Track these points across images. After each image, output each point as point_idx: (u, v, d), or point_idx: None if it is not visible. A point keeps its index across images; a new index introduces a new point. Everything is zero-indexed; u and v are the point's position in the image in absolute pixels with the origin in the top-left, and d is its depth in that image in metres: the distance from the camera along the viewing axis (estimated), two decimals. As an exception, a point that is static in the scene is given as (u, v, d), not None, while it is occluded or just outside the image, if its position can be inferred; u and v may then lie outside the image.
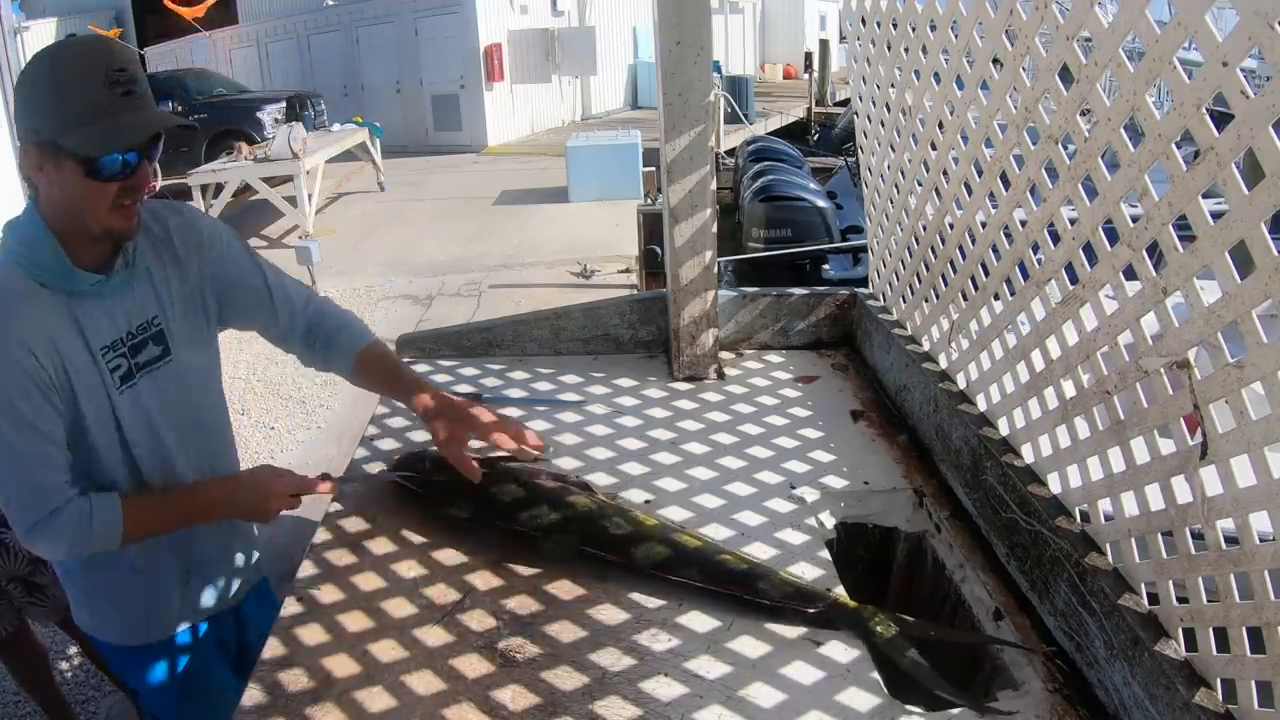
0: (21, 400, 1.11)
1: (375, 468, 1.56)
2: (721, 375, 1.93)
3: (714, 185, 1.82)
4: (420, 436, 1.63)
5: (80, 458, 1.20)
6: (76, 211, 1.13)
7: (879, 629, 1.12)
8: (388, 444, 1.65)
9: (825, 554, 1.30)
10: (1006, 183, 1.29)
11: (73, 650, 2.77)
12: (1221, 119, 0.80)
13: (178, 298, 1.30)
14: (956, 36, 1.35)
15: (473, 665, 1.09)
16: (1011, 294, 1.32)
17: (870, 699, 1.03)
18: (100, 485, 1.23)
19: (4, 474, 1.15)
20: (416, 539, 1.34)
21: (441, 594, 1.22)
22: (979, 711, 1.04)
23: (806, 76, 17.68)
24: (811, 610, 1.16)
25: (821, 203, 7.23)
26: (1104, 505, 1.12)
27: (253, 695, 1.04)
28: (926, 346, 1.71)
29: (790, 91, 18.91)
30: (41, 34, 16.64)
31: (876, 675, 1.07)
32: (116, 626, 1.38)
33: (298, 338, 1.43)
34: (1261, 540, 0.84)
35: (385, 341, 1.55)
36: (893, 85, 1.68)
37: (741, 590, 1.18)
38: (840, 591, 1.20)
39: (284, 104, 11.16)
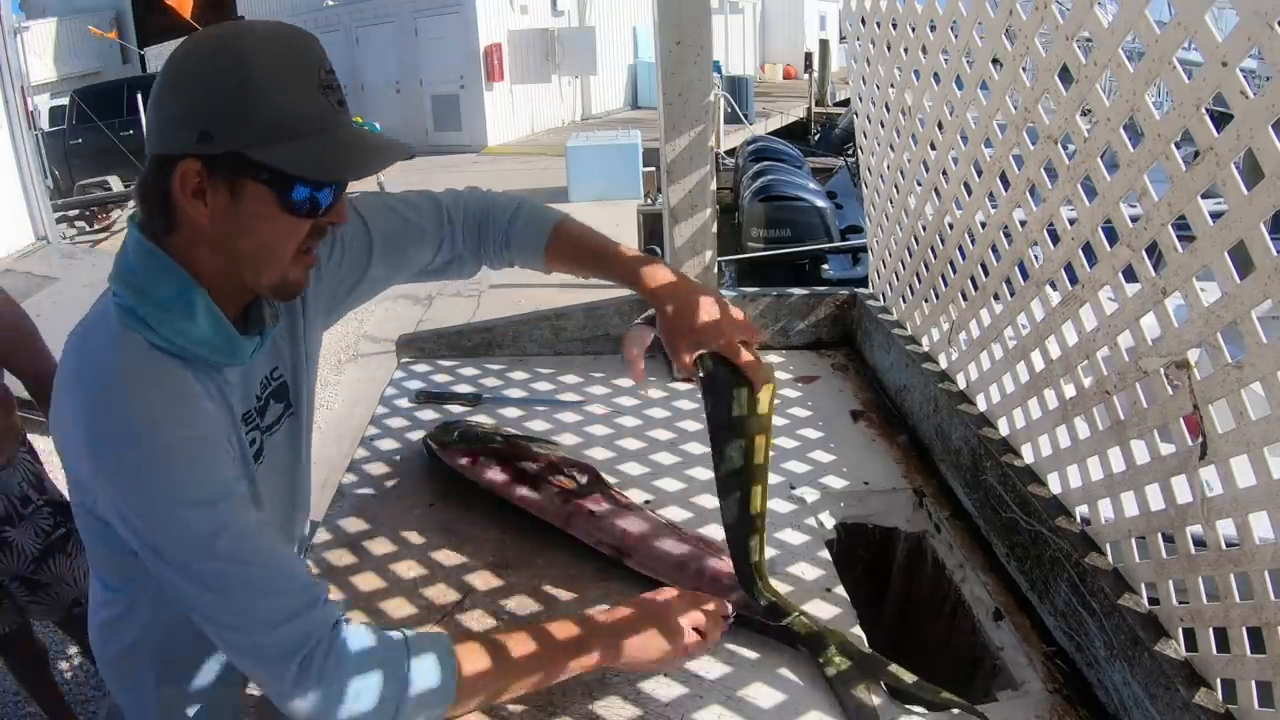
0: (237, 485, 0.85)
1: (376, 468, 1.56)
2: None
3: (714, 185, 1.83)
4: (420, 435, 1.63)
5: None
6: (252, 253, 0.86)
7: (835, 660, 1.04)
8: (388, 444, 1.65)
9: (825, 554, 1.30)
10: (1006, 183, 1.29)
11: (73, 650, 2.77)
12: (1221, 119, 0.80)
13: (286, 333, 1.05)
14: (956, 37, 1.35)
15: (473, 665, 1.08)
16: (1011, 294, 1.32)
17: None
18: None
19: (231, 590, 0.81)
20: (417, 539, 1.34)
21: (441, 594, 1.22)
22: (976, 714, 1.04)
23: (806, 76, 17.70)
24: (775, 624, 1.09)
25: (821, 203, 7.25)
26: (1104, 505, 1.12)
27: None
28: (926, 346, 1.71)
29: (790, 91, 18.93)
30: (41, 34, 16.67)
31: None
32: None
33: (464, 253, 1.20)
34: (1261, 543, 0.84)
35: (385, 341, 1.54)
36: (892, 85, 1.68)
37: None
38: (809, 612, 1.13)
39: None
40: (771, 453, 1.10)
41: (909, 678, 1.03)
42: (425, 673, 0.86)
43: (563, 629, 0.96)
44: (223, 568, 0.81)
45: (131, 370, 0.83)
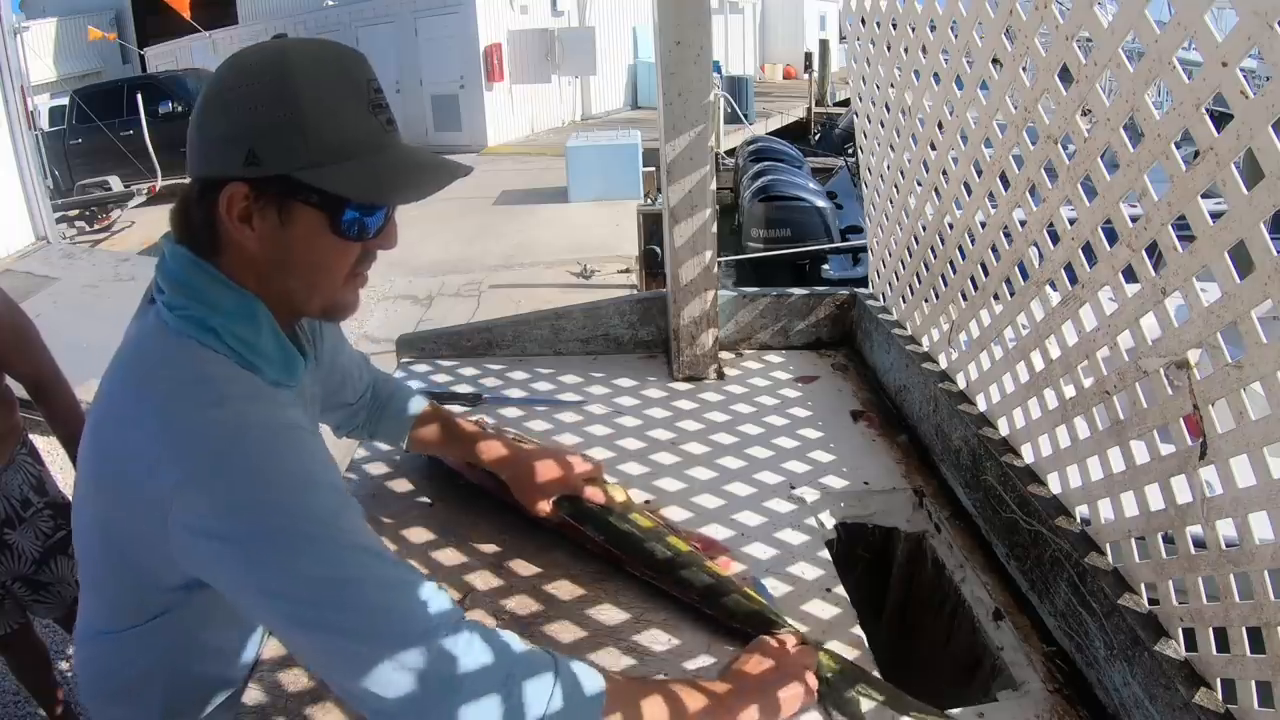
0: (348, 502, 0.79)
1: (376, 468, 1.56)
2: (721, 375, 1.93)
3: (714, 185, 1.82)
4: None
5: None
6: (302, 278, 0.83)
7: (825, 672, 1.04)
8: (388, 445, 1.65)
9: (825, 554, 1.30)
10: (1006, 183, 1.29)
11: (73, 650, 2.77)
12: (1221, 119, 0.80)
13: (308, 385, 1.01)
14: (956, 37, 1.35)
15: (473, 665, 1.08)
16: (1011, 294, 1.32)
17: (868, 702, 1.03)
18: (216, 647, 0.96)
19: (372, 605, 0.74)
20: (417, 539, 1.34)
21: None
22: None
23: (806, 76, 17.70)
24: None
25: (821, 203, 7.25)
26: (1104, 505, 1.12)
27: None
28: (926, 346, 1.71)
29: (790, 91, 18.93)
30: (41, 34, 16.67)
31: (877, 675, 1.07)
32: None
33: (359, 414, 1.30)
34: (1261, 543, 0.84)
35: (385, 341, 1.55)
36: (892, 85, 1.68)
37: (701, 603, 1.15)
38: (797, 626, 1.13)
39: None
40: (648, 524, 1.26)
41: (879, 695, 1.02)
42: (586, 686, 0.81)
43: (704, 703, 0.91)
44: (346, 562, 0.74)
45: (210, 377, 0.79)
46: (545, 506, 1.26)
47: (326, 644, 0.73)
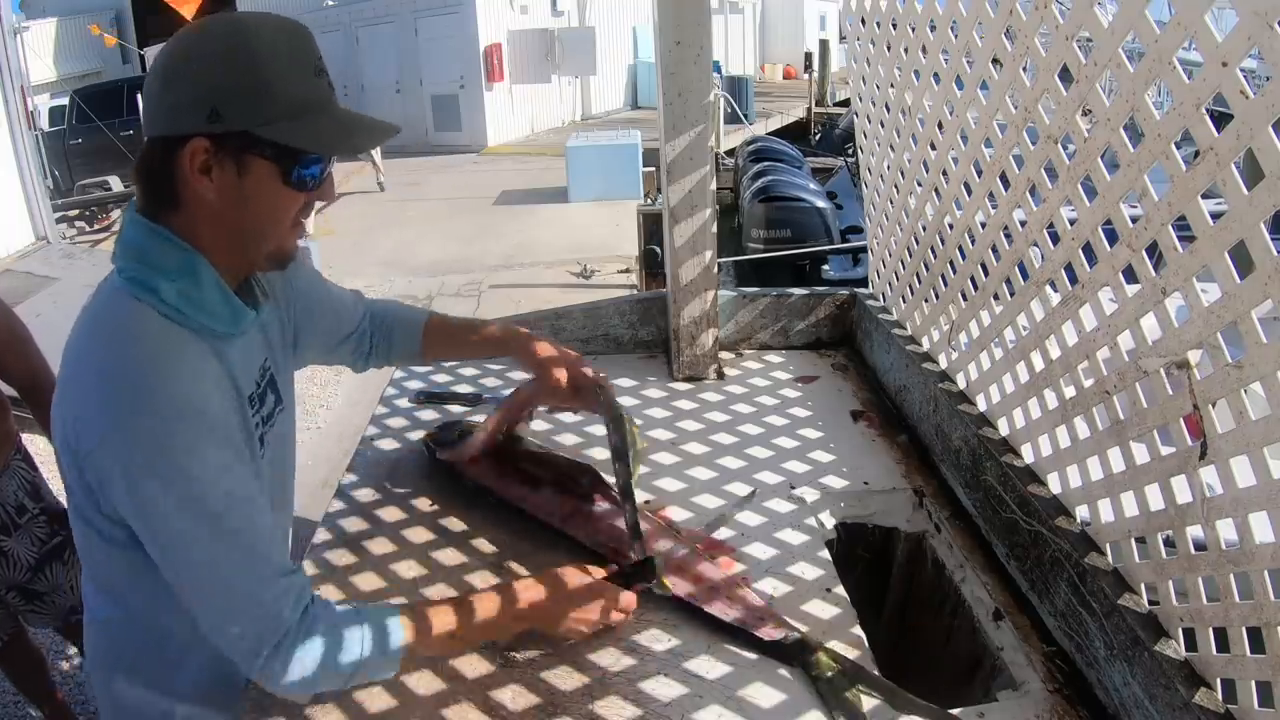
0: (236, 463, 0.88)
1: (376, 468, 1.56)
2: (721, 375, 1.93)
3: (714, 185, 1.82)
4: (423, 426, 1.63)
5: None
6: (254, 225, 0.91)
7: (825, 671, 1.05)
8: (388, 444, 1.65)
9: (825, 554, 1.30)
10: (1006, 183, 1.29)
11: (72, 651, 2.77)
12: (1221, 119, 0.80)
13: (275, 331, 1.09)
14: (956, 37, 1.35)
15: (473, 665, 1.08)
16: (1011, 294, 1.32)
17: (870, 700, 1.03)
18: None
19: (219, 560, 0.86)
20: (417, 539, 1.34)
21: (441, 594, 1.21)
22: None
23: (806, 76, 17.69)
24: (768, 640, 1.10)
25: (821, 203, 7.24)
26: (1104, 505, 1.12)
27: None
28: (926, 346, 1.71)
29: (790, 91, 18.92)
30: (41, 34, 16.67)
31: (876, 673, 1.07)
32: None
33: (365, 339, 1.32)
34: (1261, 544, 0.84)
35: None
36: (892, 85, 1.68)
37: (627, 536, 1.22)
38: (797, 626, 1.13)
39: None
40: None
41: (879, 694, 1.03)
42: (377, 641, 0.94)
43: (492, 608, 1.04)
44: (218, 541, 0.86)
45: (146, 335, 0.87)
46: (562, 375, 1.31)
47: (176, 575, 0.88)
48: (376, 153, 10.73)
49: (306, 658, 0.89)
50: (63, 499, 1.96)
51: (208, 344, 0.92)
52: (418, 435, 1.65)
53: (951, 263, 1.52)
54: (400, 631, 0.96)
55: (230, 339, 0.95)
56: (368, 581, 1.24)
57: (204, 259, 0.90)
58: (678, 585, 1.18)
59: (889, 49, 1.65)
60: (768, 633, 1.11)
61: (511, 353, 1.36)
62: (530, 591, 1.08)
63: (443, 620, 1.00)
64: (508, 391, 1.85)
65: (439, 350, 1.40)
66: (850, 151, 10.28)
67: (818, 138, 15.13)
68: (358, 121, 0.92)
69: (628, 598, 1.13)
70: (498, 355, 1.41)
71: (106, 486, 0.86)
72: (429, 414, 1.75)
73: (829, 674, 1.04)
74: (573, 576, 1.11)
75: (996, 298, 1.38)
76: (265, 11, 0.91)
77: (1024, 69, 1.19)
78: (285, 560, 0.93)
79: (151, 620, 1.00)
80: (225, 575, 0.87)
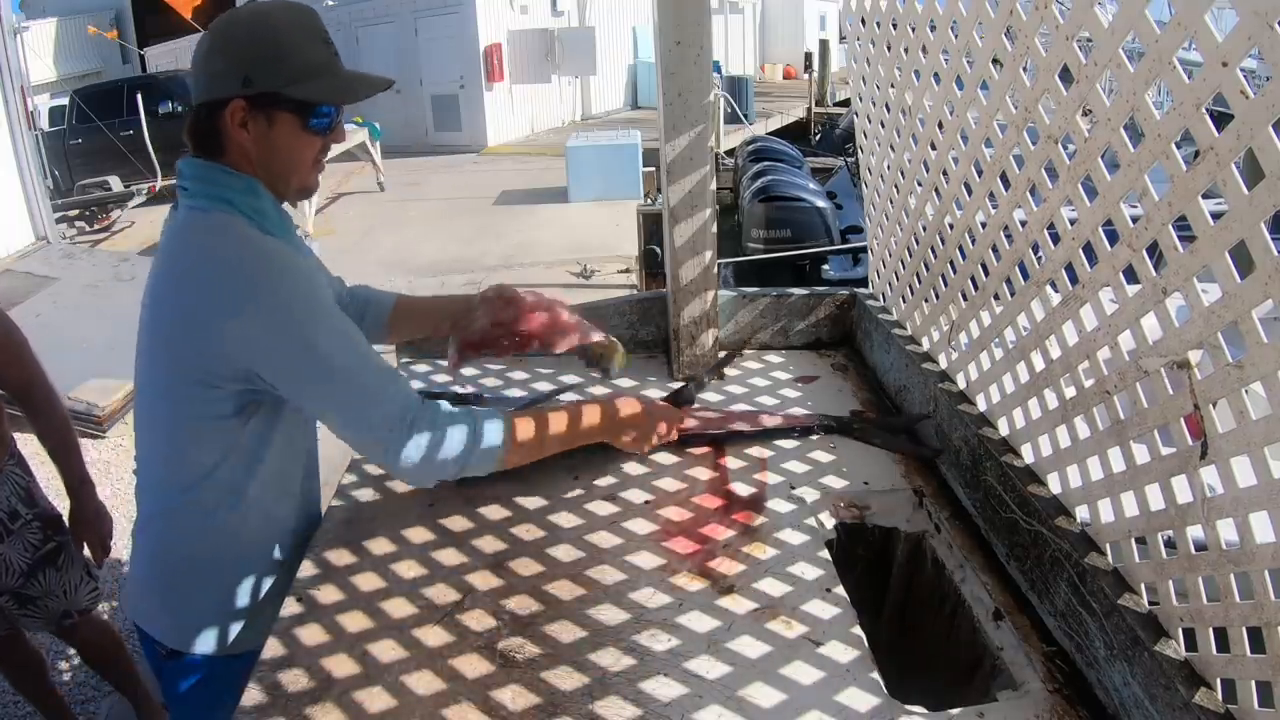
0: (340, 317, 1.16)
1: (376, 468, 1.56)
2: (721, 375, 1.93)
3: (714, 185, 1.82)
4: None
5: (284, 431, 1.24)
6: (283, 165, 1.17)
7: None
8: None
9: (825, 554, 1.30)
10: (1006, 183, 1.29)
11: (72, 651, 2.77)
12: (1221, 119, 0.80)
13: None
14: (956, 36, 1.35)
15: (473, 665, 1.08)
16: (1011, 294, 1.32)
17: (870, 699, 1.03)
18: (277, 471, 1.26)
19: (355, 369, 1.14)
20: (417, 539, 1.34)
21: (441, 594, 1.22)
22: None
23: (806, 76, 17.69)
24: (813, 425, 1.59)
25: (821, 203, 7.24)
26: (1104, 505, 1.12)
27: (252, 695, 1.04)
28: (926, 346, 1.71)
29: (790, 91, 18.93)
30: (41, 34, 16.66)
31: (876, 675, 1.07)
32: (208, 623, 1.26)
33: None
34: (1261, 544, 0.84)
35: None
36: (892, 85, 1.68)
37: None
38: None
39: (284, 104, 11.14)
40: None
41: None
42: (491, 431, 1.24)
43: (589, 416, 1.40)
44: (351, 354, 1.14)
45: (247, 232, 1.12)
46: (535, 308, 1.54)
47: (326, 398, 1.15)
48: (376, 153, 10.73)
49: (424, 441, 1.16)
50: (56, 503, 1.97)
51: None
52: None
53: (951, 263, 1.52)
54: (499, 433, 1.24)
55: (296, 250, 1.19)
56: (368, 581, 1.24)
57: (259, 181, 1.15)
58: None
59: (889, 49, 1.65)
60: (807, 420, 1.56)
61: (483, 301, 1.52)
62: (613, 407, 1.43)
63: (540, 426, 1.30)
64: (507, 392, 1.85)
65: (406, 327, 1.58)
66: (850, 151, 10.29)
67: (818, 138, 15.14)
68: (359, 78, 1.20)
69: (677, 414, 1.52)
70: (467, 314, 1.52)
71: (245, 349, 1.09)
72: (429, 414, 1.75)
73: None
74: (637, 403, 1.47)
75: (997, 298, 1.38)
76: (284, 0, 1.17)
77: (1024, 69, 1.18)
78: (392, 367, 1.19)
79: (214, 504, 1.21)
80: (362, 379, 1.13)
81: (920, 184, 1.62)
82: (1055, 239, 1.17)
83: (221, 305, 1.08)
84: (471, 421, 1.21)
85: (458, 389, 1.86)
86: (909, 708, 1.02)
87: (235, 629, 1.27)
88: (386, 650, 1.11)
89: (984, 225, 1.38)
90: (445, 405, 1.20)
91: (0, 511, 1.85)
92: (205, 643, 1.26)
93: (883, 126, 1.78)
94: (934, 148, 1.52)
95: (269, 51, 1.10)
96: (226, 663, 1.26)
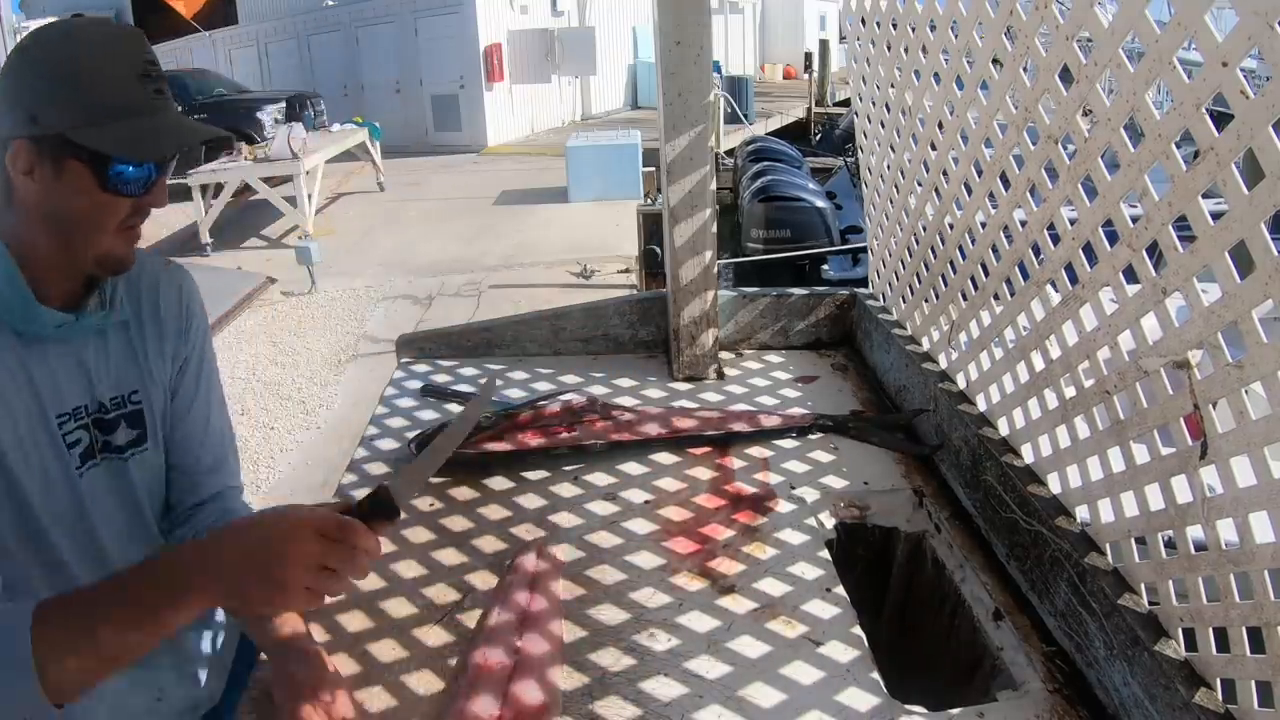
0: None
1: (376, 468, 1.56)
2: (721, 375, 1.93)
3: (714, 185, 1.83)
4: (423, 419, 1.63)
5: None
6: (70, 230, 0.90)
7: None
8: (388, 444, 1.65)
9: (825, 554, 1.30)
10: (1006, 183, 1.29)
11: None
12: (1221, 119, 0.80)
13: (157, 372, 1.04)
14: (956, 36, 1.35)
15: (473, 665, 1.08)
16: (1011, 294, 1.32)
17: (870, 699, 1.03)
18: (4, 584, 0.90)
19: None
20: (417, 539, 1.34)
21: (441, 594, 1.22)
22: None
23: (806, 77, 17.69)
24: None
25: (821, 203, 7.25)
26: (1104, 505, 1.12)
27: (252, 695, 1.04)
28: (926, 346, 1.71)
29: (790, 91, 18.92)
30: (41, 34, 16.67)
31: (876, 675, 1.07)
32: None
33: (184, 503, 1.10)
34: (1261, 544, 0.84)
35: (385, 340, 1.56)
36: (892, 85, 1.68)
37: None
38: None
39: (284, 104, 11.16)
40: None
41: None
42: None
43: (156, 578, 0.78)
44: None
45: None
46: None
47: None
48: (376, 153, 10.73)
49: None
50: None
51: (6, 339, 0.88)
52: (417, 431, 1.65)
53: (951, 262, 1.52)
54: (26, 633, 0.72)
55: (43, 342, 0.91)
56: (368, 581, 1.24)
57: (4, 253, 0.88)
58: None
59: (889, 49, 1.65)
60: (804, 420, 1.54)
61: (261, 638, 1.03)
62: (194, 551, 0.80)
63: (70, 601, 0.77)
64: (508, 392, 1.85)
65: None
66: (850, 151, 10.29)
67: (818, 138, 15.14)
68: (174, 128, 0.91)
69: (361, 533, 0.78)
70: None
71: None
72: (429, 414, 1.75)
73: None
74: (256, 523, 0.80)
75: (996, 297, 1.38)
76: (104, 18, 0.92)
77: (1024, 69, 1.18)
78: None
79: None
80: None
81: (920, 184, 1.62)
82: (1055, 239, 1.17)
83: None
84: None
85: (457, 389, 1.86)
86: (909, 708, 1.02)
87: None
88: (387, 650, 1.11)
89: (984, 225, 1.38)
90: None
91: None
92: None
93: (883, 126, 1.78)
94: (934, 148, 1.52)
95: (61, 86, 0.85)
96: None
